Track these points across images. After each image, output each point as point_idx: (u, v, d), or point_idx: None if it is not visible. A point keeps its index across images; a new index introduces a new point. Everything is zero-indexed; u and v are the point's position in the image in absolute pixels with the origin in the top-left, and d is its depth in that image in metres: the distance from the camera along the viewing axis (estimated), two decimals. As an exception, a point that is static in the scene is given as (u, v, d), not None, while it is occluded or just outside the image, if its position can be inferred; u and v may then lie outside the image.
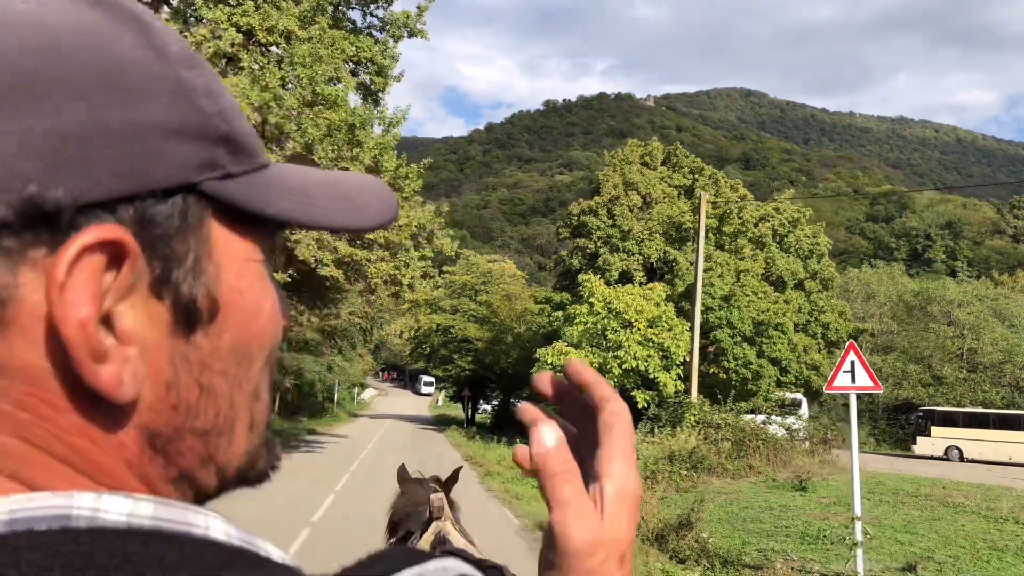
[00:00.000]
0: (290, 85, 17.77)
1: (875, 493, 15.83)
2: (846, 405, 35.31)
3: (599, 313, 26.69)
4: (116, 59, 0.42)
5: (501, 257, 54.58)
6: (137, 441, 0.43)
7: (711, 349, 27.64)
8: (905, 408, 51.31)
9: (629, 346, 25.33)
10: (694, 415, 21.21)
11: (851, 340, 8.59)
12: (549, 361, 25.77)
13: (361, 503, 12.81)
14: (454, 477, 2.69)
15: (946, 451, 36.20)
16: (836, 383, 8.82)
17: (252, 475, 0.51)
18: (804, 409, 32.91)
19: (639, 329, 25.82)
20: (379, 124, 19.82)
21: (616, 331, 26.02)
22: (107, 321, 0.41)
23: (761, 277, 29.93)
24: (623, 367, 25.32)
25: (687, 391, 22.58)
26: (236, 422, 0.48)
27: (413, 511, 2.42)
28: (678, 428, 20.70)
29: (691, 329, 22.72)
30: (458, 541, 2.16)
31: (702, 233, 22.24)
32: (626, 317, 26.07)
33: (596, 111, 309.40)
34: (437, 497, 2.23)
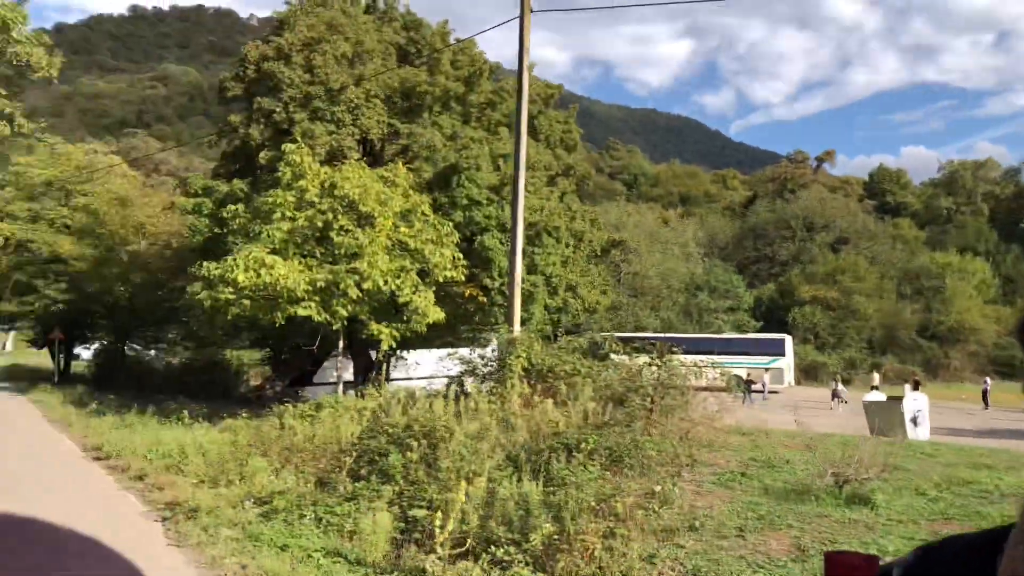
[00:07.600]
0: None
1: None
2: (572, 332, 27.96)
3: (314, 203, 16.63)
4: None
5: (104, 147, 39.11)
6: None
7: (468, 262, 19.29)
8: (565, 335, 49.16)
9: (373, 255, 15.84)
10: (522, 360, 12.85)
11: None
12: (238, 279, 15.12)
13: None
14: None
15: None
16: None
17: None
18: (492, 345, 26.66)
19: (383, 229, 16.42)
20: None
21: (348, 232, 16.28)
22: None
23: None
24: (363, 288, 15.80)
25: (508, 321, 14.04)
26: None
27: None
28: (506, 385, 12.20)
29: (511, 222, 14.12)
30: None
31: (526, 61, 13.56)
32: (363, 210, 16.43)
33: (193, 24, 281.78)
34: None
